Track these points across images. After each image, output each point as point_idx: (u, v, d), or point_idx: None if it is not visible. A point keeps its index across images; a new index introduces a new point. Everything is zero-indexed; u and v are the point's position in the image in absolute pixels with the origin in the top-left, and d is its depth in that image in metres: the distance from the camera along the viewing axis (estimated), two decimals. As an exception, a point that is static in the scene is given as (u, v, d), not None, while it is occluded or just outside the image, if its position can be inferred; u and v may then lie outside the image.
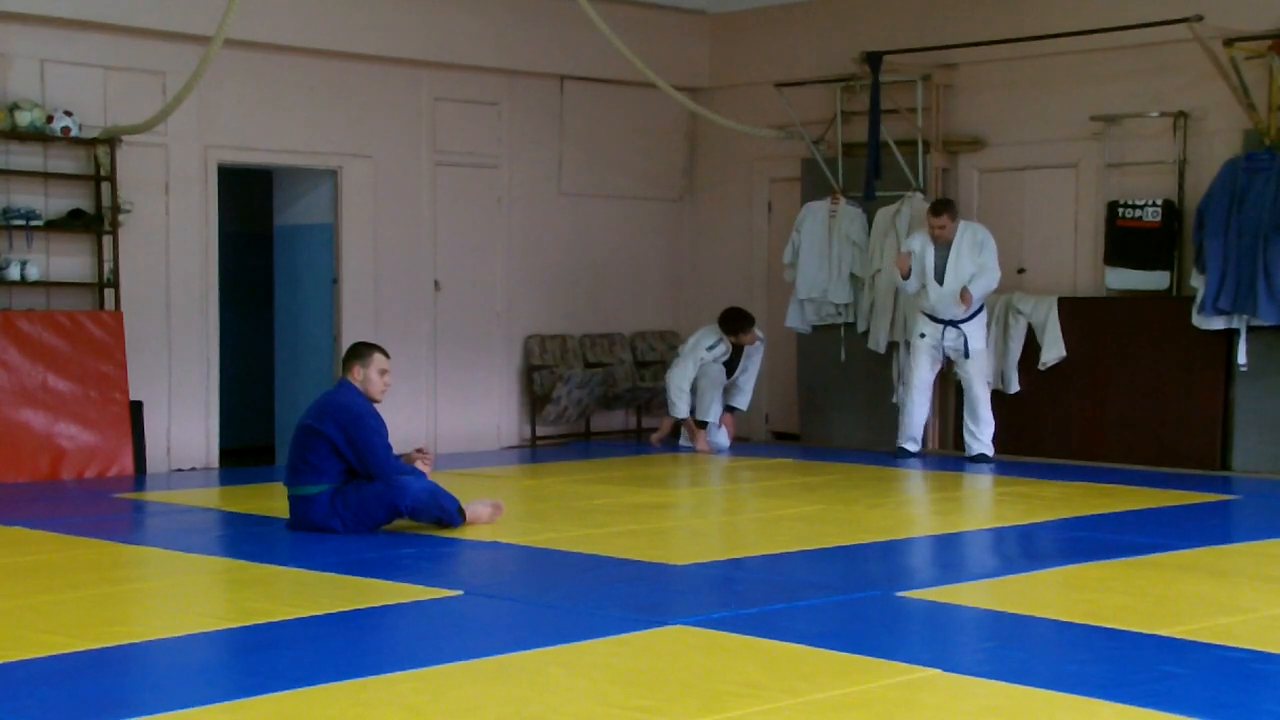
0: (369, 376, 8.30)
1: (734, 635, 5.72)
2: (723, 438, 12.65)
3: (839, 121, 12.96)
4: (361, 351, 8.38)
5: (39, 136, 10.61)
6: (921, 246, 11.66)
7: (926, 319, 11.80)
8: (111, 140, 10.87)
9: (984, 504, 9.88)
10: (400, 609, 6.30)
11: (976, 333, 11.73)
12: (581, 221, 13.77)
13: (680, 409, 12.49)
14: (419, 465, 8.44)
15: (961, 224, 11.69)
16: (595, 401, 13.44)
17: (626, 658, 5.45)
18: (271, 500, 9.09)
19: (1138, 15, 11.33)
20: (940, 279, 11.58)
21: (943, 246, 11.60)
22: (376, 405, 8.32)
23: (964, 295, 11.46)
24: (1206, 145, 11.40)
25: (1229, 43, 10.86)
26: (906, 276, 11.65)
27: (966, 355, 11.68)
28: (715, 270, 14.28)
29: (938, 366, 11.90)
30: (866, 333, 12.73)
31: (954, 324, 11.68)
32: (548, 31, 13.09)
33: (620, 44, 11.21)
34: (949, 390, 12.28)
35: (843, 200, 12.76)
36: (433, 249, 12.78)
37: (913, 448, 11.92)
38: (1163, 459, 11.42)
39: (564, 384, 13.02)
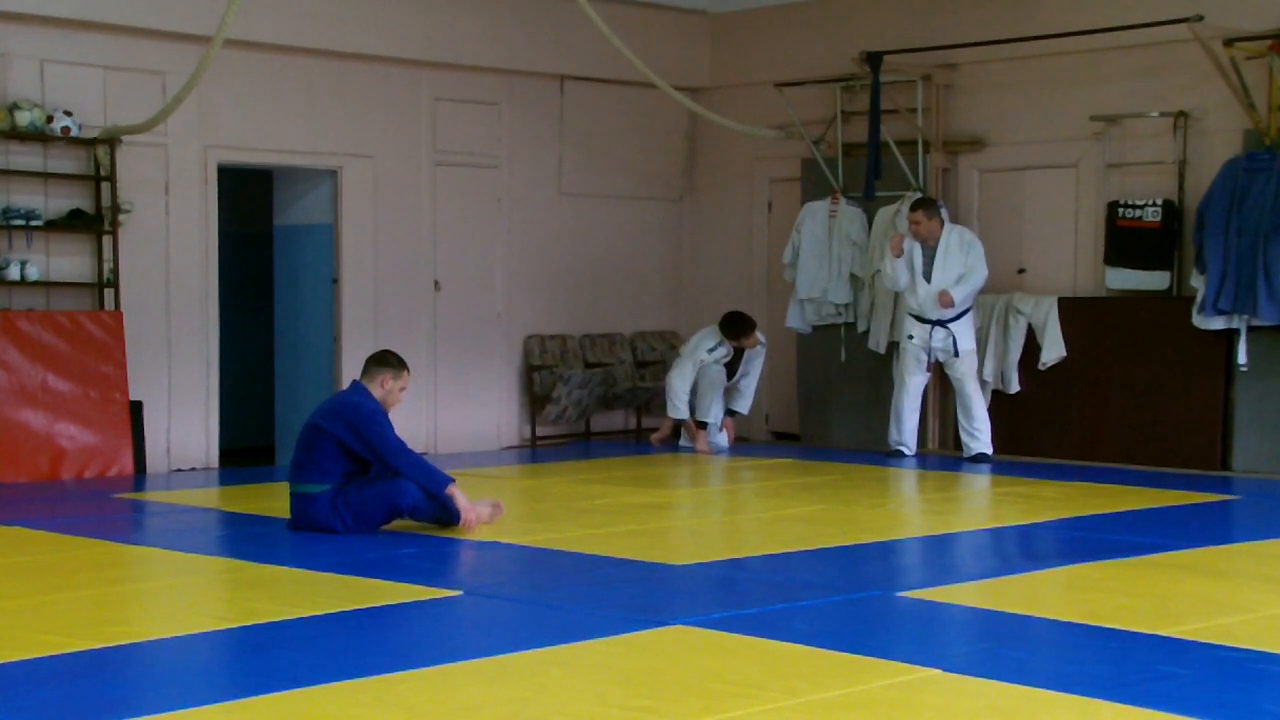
0: (393, 390, 8.31)
1: (734, 635, 5.72)
2: (723, 439, 12.64)
3: (839, 121, 12.95)
4: (394, 363, 8.35)
5: (39, 136, 10.61)
6: (910, 246, 11.71)
7: (914, 320, 11.83)
8: (111, 140, 10.87)
9: (983, 504, 9.88)
10: (400, 609, 6.30)
11: (965, 332, 11.76)
12: (581, 221, 13.77)
13: (680, 410, 12.49)
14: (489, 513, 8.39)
15: (948, 226, 11.74)
16: (595, 401, 13.43)
17: (626, 658, 5.44)
18: (271, 500, 9.10)
19: (1138, 15, 11.34)
20: (928, 278, 11.62)
21: (930, 247, 11.65)
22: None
23: (943, 297, 11.51)
24: (1206, 145, 11.39)
25: (1229, 43, 10.86)
26: (899, 254, 11.67)
27: (956, 354, 11.69)
28: (715, 270, 14.27)
29: (928, 369, 11.90)
30: (866, 333, 12.73)
31: (942, 324, 11.70)
32: (548, 31, 13.09)
33: (620, 44, 11.21)
34: (949, 391, 12.28)
35: (843, 200, 12.76)
36: (433, 249, 12.78)
37: (906, 451, 11.92)
38: (1163, 459, 11.41)
39: (564, 384, 13.02)
